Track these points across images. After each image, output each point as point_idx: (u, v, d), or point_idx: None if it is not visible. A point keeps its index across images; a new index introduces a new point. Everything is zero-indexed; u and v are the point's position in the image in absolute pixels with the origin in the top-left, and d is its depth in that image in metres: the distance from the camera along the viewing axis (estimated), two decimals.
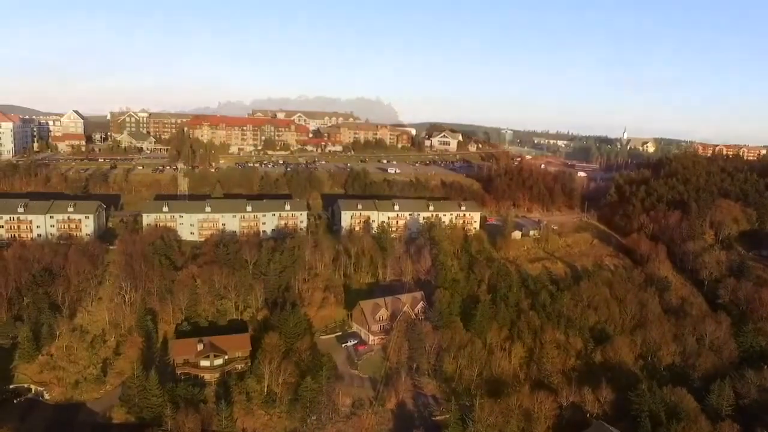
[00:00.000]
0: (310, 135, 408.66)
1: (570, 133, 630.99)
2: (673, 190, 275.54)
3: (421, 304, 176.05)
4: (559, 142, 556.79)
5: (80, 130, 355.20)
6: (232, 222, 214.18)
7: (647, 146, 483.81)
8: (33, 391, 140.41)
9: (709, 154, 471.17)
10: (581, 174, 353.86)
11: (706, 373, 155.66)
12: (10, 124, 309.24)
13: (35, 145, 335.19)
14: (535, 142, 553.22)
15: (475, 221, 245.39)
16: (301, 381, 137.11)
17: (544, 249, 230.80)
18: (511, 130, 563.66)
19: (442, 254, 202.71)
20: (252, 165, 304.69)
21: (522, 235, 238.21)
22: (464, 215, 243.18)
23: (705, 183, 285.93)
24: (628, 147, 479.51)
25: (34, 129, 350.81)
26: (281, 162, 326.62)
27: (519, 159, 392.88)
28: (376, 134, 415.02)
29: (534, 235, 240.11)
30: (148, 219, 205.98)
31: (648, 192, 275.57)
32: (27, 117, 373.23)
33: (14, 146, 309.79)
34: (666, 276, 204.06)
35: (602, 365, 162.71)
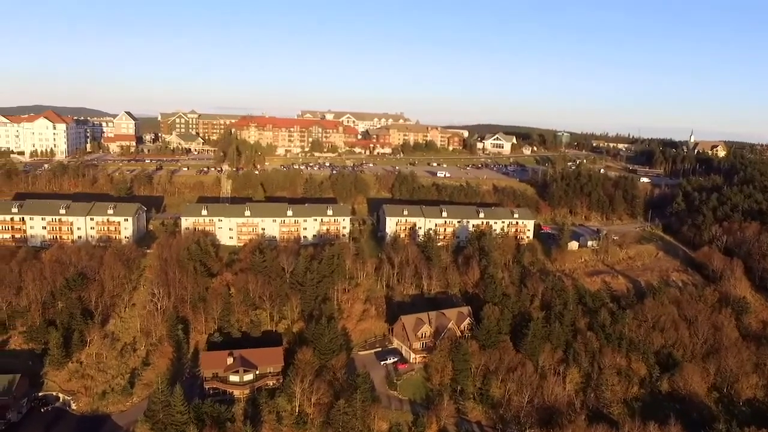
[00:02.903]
0: (359, 137, 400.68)
1: (631, 136, 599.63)
2: (749, 198, 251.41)
3: (467, 321, 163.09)
4: (620, 146, 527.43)
5: (131, 131, 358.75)
6: (272, 227, 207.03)
7: (717, 150, 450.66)
8: (61, 400, 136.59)
9: None
10: (644, 180, 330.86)
11: None
12: (63, 126, 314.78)
13: (88, 145, 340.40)
14: (594, 145, 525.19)
15: (529, 229, 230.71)
16: (335, 402, 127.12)
17: (603, 261, 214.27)
18: (568, 132, 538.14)
19: (491, 265, 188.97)
20: (297, 167, 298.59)
21: (579, 246, 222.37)
22: (517, 223, 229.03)
23: None
24: (696, 151, 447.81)
25: (88, 130, 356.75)
26: (328, 164, 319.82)
27: (577, 162, 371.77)
28: (426, 136, 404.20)
29: (592, 245, 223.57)
30: (186, 222, 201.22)
31: (720, 200, 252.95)
32: (82, 118, 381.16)
33: (67, 147, 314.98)
34: (743, 296, 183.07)
35: (670, 396, 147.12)
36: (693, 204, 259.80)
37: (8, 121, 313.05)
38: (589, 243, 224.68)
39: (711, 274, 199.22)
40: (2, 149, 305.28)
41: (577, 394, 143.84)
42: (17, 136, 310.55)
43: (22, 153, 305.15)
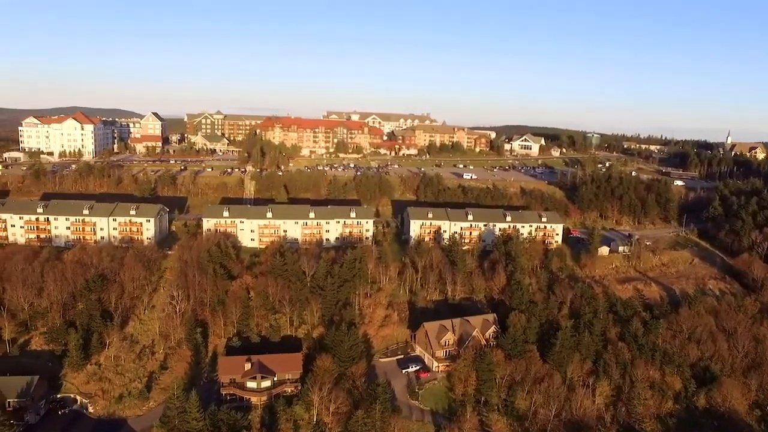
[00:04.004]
0: (384, 137, 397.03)
1: (664, 138, 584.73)
2: None
3: (492, 329, 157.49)
4: (652, 147, 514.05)
5: (158, 131, 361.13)
6: (294, 229, 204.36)
7: (756, 152, 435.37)
8: (78, 402, 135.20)
9: None
10: (678, 183, 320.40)
11: None
12: (91, 126, 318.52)
13: (115, 146, 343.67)
14: (625, 146, 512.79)
15: (557, 234, 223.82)
16: (354, 411, 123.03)
17: (635, 268, 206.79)
18: (598, 133, 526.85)
19: (518, 271, 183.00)
20: (321, 168, 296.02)
21: (610, 251, 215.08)
22: (545, 227, 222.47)
23: None
24: (733, 153, 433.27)
25: (115, 131, 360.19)
26: (352, 165, 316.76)
27: (607, 165, 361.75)
28: (452, 137, 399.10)
29: (624, 251, 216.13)
30: (208, 224, 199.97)
31: (761, 205, 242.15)
32: (110, 119, 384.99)
33: (95, 147, 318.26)
34: None
35: (707, 412, 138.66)
36: (731, 208, 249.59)
37: (39, 122, 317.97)
38: (621, 248, 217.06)
39: (751, 283, 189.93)
40: (33, 150, 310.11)
41: (607, 407, 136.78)
42: (47, 137, 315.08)
43: (51, 153, 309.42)
